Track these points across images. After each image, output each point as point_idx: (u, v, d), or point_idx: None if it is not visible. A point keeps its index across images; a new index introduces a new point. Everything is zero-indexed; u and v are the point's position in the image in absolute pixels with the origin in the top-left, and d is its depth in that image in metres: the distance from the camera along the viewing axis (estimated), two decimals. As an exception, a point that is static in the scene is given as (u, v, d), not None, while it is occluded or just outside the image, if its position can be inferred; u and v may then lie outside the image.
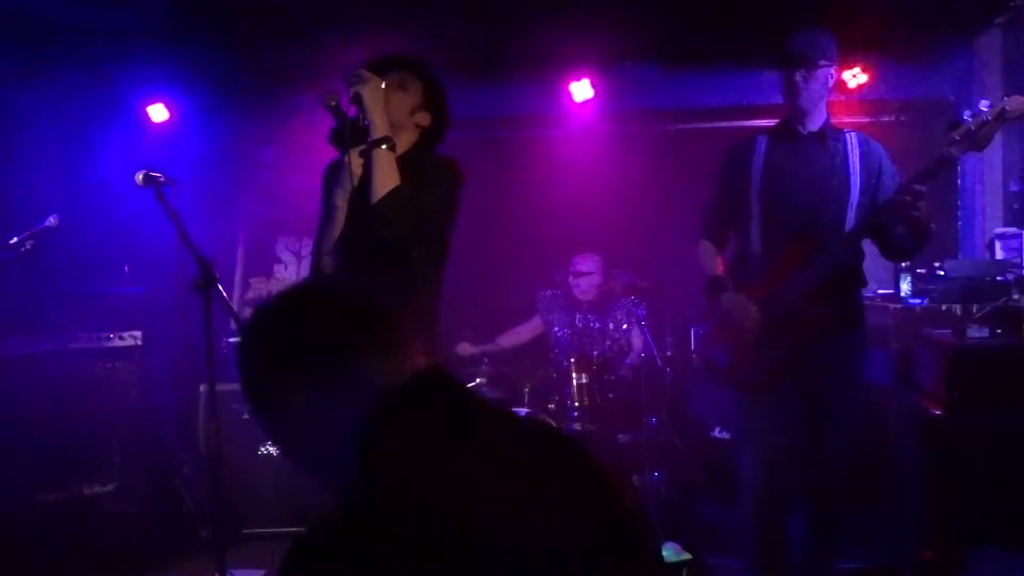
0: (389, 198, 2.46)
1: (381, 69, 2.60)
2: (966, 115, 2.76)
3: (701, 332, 3.85)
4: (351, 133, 2.45)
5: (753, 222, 3.16)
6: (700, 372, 4.74)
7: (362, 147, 2.47)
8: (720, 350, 3.25)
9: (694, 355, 5.03)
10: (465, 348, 5.22)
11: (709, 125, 5.53)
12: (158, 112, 5.60)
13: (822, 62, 3.08)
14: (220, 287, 2.64)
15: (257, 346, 1.29)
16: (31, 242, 3.72)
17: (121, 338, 4.42)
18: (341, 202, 2.48)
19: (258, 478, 4.58)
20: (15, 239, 3.79)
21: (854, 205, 3.08)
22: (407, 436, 1.16)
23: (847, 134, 3.18)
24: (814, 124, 3.16)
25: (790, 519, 3.25)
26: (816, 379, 3.12)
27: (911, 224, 2.94)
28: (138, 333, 4.44)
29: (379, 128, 2.47)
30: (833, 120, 3.21)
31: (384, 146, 2.47)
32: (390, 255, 2.52)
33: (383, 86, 2.50)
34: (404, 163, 2.57)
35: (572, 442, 1.27)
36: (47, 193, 4.22)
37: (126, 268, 4.77)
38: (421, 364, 1.28)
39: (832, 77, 3.15)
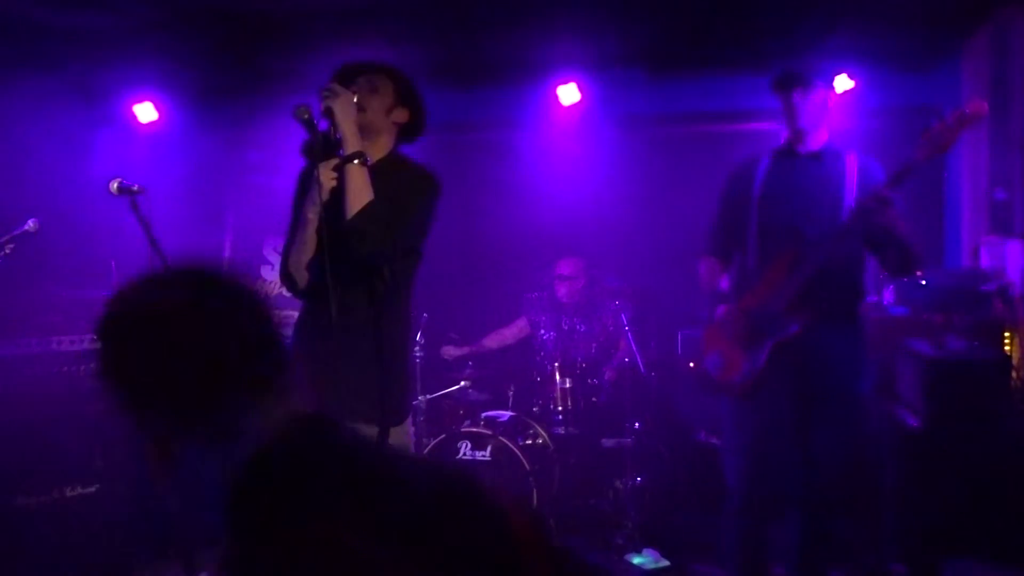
0: (364, 214, 2.45)
1: (348, 77, 2.59)
2: (934, 122, 2.85)
3: (692, 338, 3.91)
4: (323, 146, 2.44)
5: (750, 239, 3.23)
6: (685, 376, 4.74)
7: (334, 161, 2.46)
8: (713, 358, 3.29)
9: (691, 364, 5.01)
10: (450, 351, 5.22)
11: (695, 129, 5.55)
12: (146, 112, 5.59)
13: (819, 83, 3.15)
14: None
15: (115, 372, 1.15)
16: (10, 246, 3.71)
17: (104, 340, 4.38)
18: (312, 216, 2.47)
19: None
20: (-6, 242, 3.77)
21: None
22: (283, 495, 1.05)
23: (847, 155, 3.21)
24: (814, 144, 3.21)
25: (776, 527, 3.26)
26: (807, 384, 3.12)
27: (882, 232, 2.99)
28: (121, 335, 4.40)
29: (351, 143, 2.47)
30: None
31: (357, 161, 2.46)
32: (363, 269, 2.52)
33: (355, 100, 2.49)
34: (383, 171, 2.57)
35: (473, 495, 1.15)
36: (29, 195, 4.20)
37: (113, 264, 4.75)
38: (299, 406, 1.16)
39: (829, 100, 3.20)
